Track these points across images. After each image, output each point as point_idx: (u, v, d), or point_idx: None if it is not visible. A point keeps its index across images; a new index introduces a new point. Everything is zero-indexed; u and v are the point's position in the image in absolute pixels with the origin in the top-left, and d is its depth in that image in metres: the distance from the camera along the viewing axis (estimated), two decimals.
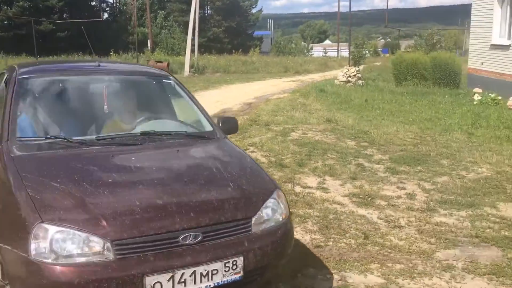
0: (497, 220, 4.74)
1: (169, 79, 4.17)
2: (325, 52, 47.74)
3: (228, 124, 3.92)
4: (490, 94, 13.14)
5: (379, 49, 53.87)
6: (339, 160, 6.98)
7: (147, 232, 2.50)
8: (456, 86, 16.78)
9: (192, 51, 25.99)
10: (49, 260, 2.38)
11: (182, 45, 39.63)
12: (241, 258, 2.67)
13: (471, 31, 17.57)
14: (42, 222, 2.42)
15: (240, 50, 38.65)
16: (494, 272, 3.66)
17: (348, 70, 18.67)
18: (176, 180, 2.97)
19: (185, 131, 3.73)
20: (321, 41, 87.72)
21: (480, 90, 13.98)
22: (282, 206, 3.03)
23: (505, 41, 14.51)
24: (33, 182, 2.70)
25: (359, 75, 18.47)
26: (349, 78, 18.05)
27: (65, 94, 3.71)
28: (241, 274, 2.68)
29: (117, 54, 31.29)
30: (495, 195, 5.46)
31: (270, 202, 2.97)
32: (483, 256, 3.94)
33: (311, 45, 64.92)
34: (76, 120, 3.59)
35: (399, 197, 5.42)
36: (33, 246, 2.39)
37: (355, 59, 25.58)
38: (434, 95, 14.59)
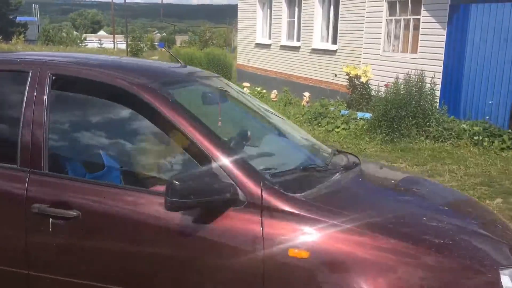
0: None
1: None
2: (101, 44, 45.86)
3: None
4: (257, 87, 14.84)
5: (155, 43, 54.42)
6: None
7: None
8: (228, 80, 18.36)
9: None
10: None
11: None
12: None
13: (238, 31, 19.40)
14: (499, 268, 2.12)
15: (0, 37, 34.22)
16: None
17: None
18: (453, 204, 2.86)
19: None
20: (95, 31, 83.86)
21: (248, 84, 15.54)
22: None
23: (266, 41, 16.53)
24: (402, 226, 2.21)
25: None
26: None
27: (212, 108, 3.01)
28: None
29: None
30: None
31: None
32: None
33: (84, 35, 61.41)
34: (241, 139, 2.94)
35: None
36: None
37: (133, 52, 25.47)
38: None
